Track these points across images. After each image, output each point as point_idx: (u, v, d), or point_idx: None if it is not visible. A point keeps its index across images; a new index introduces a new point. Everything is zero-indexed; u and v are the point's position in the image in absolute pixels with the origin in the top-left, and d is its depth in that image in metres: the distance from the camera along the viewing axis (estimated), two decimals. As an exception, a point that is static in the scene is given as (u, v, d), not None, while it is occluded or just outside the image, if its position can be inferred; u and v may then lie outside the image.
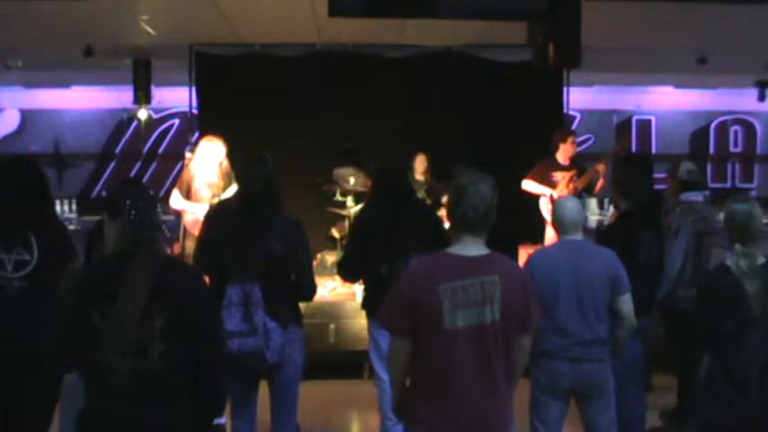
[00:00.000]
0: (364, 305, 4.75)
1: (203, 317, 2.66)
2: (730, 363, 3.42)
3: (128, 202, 2.70)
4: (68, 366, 2.89)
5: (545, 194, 7.51)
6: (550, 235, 7.36)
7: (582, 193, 7.72)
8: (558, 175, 7.47)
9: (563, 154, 7.50)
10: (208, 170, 6.17)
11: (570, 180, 7.45)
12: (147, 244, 2.65)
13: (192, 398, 2.64)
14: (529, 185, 7.53)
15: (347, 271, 4.73)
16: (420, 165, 8.25)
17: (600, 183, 7.28)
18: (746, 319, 3.39)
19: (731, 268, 3.46)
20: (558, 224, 3.99)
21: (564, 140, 7.50)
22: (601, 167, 7.20)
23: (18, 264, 3.73)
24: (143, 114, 10.99)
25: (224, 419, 4.48)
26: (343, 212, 7.87)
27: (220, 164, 6.16)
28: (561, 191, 7.39)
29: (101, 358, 2.56)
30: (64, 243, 3.97)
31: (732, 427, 3.41)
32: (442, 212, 5.18)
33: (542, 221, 7.57)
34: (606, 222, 7.65)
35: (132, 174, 12.27)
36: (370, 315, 4.58)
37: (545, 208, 7.53)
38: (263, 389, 3.93)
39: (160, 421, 2.60)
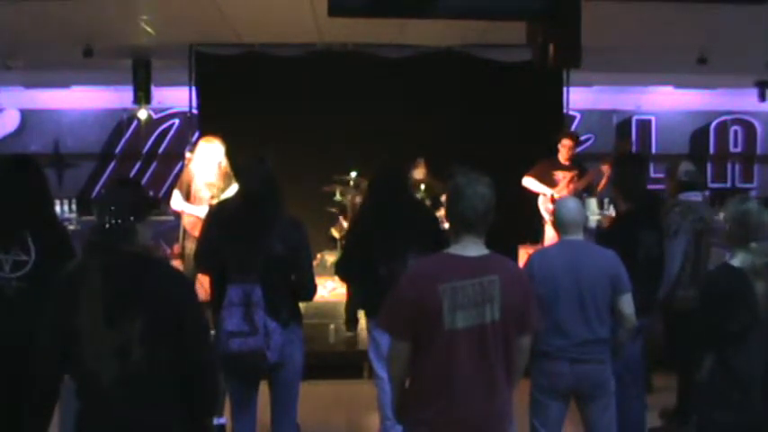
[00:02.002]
0: (363, 305, 4.74)
1: (187, 318, 2.63)
2: (733, 363, 3.41)
3: (103, 203, 2.70)
4: (59, 369, 2.88)
5: (544, 193, 7.52)
6: (549, 235, 7.37)
7: (582, 194, 7.73)
8: (560, 175, 7.49)
9: (561, 153, 7.52)
10: (207, 170, 6.16)
11: (571, 180, 7.46)
12: (107, 246, 2.63)
13: (183, 399, 2.63)
14: (528, 183, 7.54)
15: (345, 271, 4.72)
16: (419, 171, 8.24)
17: (602, 182, 7.27)
18: (752, 319, 3.38)
19: (741, 268, 3.44)
20: (559, 224, 3.99)
21: (558, 140, 7.52)
22: (605, 168, 7.17)
23: (16, 264, 3.72)
24: (143, 114, 10.99)
25: (224, 419, 4.49)
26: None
27: (219, 164, 6.16)
28: (561, 191, 7.39)
29: (84, 361, 2.55)
30: (62, 244, 3.96)
31: (734, 428, 3.41)
32: (441, 212, 5.17)
33: (541, 221, 7.58)
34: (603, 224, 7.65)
35: (132, 174, 12.27)
36: (369, 315, 4.57)
37: (543, 207, 7.54)
38: (263, 389, 3.93)
39: (150, 423, 2.59)
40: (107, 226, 2.64)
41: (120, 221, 2.64)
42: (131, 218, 2.67)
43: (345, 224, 7.62)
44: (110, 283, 2.55)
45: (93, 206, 2.93)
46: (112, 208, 2.66)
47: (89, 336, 2.53)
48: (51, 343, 2.73)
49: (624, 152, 7.67)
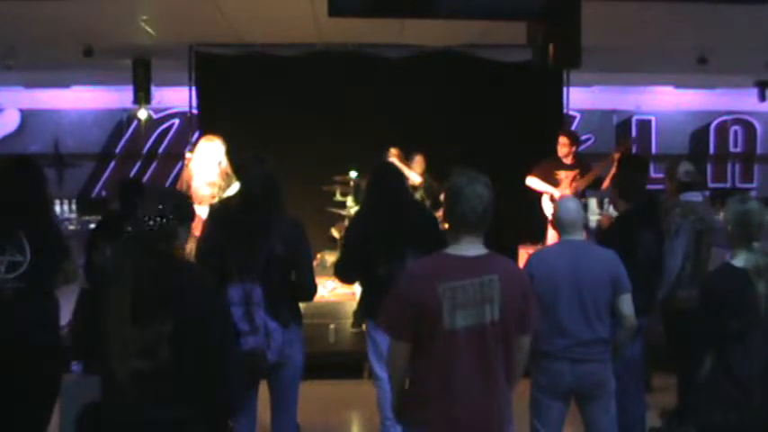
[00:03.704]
0: (362, 307, 4.73)
1: (215, 321, 2.65)
2: (734, 363, 3.41)
3: (150, 202, 2.71)
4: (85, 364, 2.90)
5: (547, 192, 7.50)
6: (552, 234, 7.36)
7: (585, 193, 7.71)
8: (562, 174, 7.47)
9: (559, 152, 7.49)
10: (207, 169, 6.16)
11: (573, 179, 7.44)
12: (146, 245, 2.64)
13: (203, 399, 2.63)
14: (532, 182, 7.52)
15: (344, 272, 4.71)
16: (418, 166, 8.24)
17: (612, 171, 7.18)
18: (753, 319, 3.38)
19: (743, 267, 3.44)
20: (559, 224, 3.99)
21: (556, 139, 7.51)
22: (616, 156, 7.13)
23: (11, 265, 3.73)
24: (143, 114, 10.99)
25: (224, 420, 4.48)
26: (343, 212, 7.88)
27: (219, 163, 6.16)
28: (563, 190, 7.38)
29: (110, 359, 2.56)
30: (57, 243, 3.97)
31: (734, 428, 3.41)
32: (440, 213, 5.17)
33: (544, 220, 7.56)
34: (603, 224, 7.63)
35: (132, 174, 12.27)
36: (369, 315, 4.57)
37: (547, 207, 7.52)
38: (263, 389, 3.93)
39: (172, 421, 2.60)
40: (150, 224, 2.65)
41: (164, 222, 2.65)
42: (176, 220, 2.68)
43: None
44: (142, 284, 2.56)
45: (138, 202, 2.91)
46: (159, 207, 2.66)
47: (117, 334, 2.54)
48: (73, 338, 2.75)
49: (625, 151, 7.63)
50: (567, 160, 7.50)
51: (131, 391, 2.55)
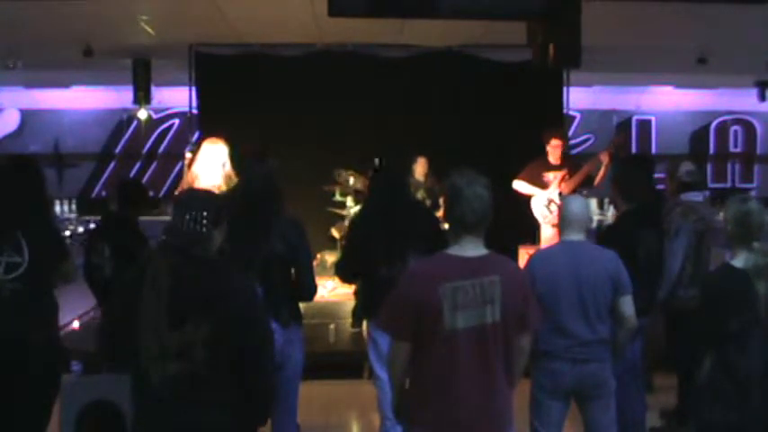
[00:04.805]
0: (362, 307, 4.73)
1: (251, 322, 2.64)
2: (733, 364, 3.41)
3: (185, 206, 2.70)
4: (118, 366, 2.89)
5: (534, 194, 7.46)
6: (545, 236, 7.35)
7: (581, 192, 7.68)
8: (550, 175, 7.42)
9: (551, 154, 7.45)
10: (211, 172, 6.16)
11: (562, 180, 7.39)
12: (180, 249, 2.64)
13: (238, 402, 2.63)
14: (519, 185, 7.47)
15: (345, 272, 4.71)
16: (420, 167, 8.24)
17: (601, 173, 7.16)
18: (753, 320, 3.38)
19: (743, 268, 3.44)
20: (562, 223, 3.99)
21: (548, 141, 7.45)
22: (603, 157, 7.11)
23: (9, 266, 3.72)
24: (143, 114, 10.99)
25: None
26: (344, 212, 7.88)
27: (223, 165, 6.16)
28: (552, 191, 7.35)
29: (144, 361, 2.56)
30: (56, 244, 3.97)
31: (734, 428, 3.41)
32: (440, 213, 5.19)
33: (535, 222, 7.54)
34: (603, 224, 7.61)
35: (132, 174, 12.28)
36: (369, 316, 4.57)
37: (537, 209, 7.48)
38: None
39: (204, 424, 2.59)
40: (184, 230, 2.65)
41: (199, 227, 2.65)
42: (210, 225, 2.68)
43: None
44: (178, 287, 2.55)
45: (173, 206, 2.91)
46: (194, 212, 2.66)
47: (152, 336, 2.54)
48: (105, 339, 2.75)
49: (620, 145, 7.59)
50: (556, 161, 7.45)
51: (166, 394, 2.55)
